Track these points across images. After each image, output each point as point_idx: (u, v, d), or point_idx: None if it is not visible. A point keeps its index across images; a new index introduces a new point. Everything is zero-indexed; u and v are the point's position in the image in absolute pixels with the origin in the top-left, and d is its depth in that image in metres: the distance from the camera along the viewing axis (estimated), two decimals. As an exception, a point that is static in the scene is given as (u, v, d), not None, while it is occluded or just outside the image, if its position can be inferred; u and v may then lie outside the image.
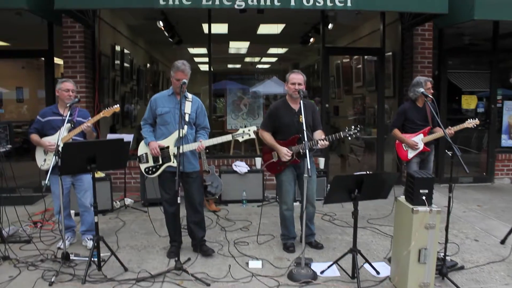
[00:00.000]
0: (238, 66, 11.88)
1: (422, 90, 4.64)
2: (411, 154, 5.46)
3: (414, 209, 3.47)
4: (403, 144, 5.50)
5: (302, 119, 4.09)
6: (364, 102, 9.58)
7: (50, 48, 7.29)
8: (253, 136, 4.37)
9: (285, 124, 4.51)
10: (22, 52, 7.82)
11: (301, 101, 4.27)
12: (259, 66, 12.18)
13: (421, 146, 5.39)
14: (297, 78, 4.46)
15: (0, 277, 3.95)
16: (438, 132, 5.37)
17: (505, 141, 8.29)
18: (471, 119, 5.40)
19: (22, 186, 6.64)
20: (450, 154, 3.89)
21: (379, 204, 6.21)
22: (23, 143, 7.90)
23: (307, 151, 3.91)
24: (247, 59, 12.08)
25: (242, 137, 4.38)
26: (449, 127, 5.27)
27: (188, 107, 4.38)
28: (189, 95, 4.46)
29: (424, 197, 3.50)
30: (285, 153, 4.44)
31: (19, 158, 7.44)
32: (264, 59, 12.12)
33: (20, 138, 7.90)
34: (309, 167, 3.85)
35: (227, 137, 4.45)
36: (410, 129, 5.47)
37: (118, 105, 4.77)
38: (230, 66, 11.62)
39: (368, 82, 9.10)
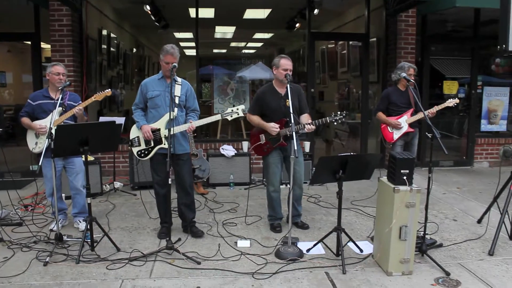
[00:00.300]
0: (224, 51, 11.90)
1: (404, 74, 4.81)
2: (396, 135, 5.67)
3: (396, 188, 3.65)
4: (388, 126, 5.70)
5: (289, 103, 4.22)
6: (348, 87, 9.73)
7: (36, 31, 7.25)
8: (241, 114, 4.49)
9: (272, 108, 4.63)
10: (8, 35, 7.74)
11: (288, 86, 4.38)
12: (245, 51, 12.22)
13: (405, 126, 5.61)
14: (288, 64, 4.58)
15: (-5, 258, 4.04)
16: (418, 114, 5.58)
17: (485, 126, 8.55)
18: (451, 99, 5.64)
19: (11, 170, 6.65)
20: (430, 136, 4.07)
21: (362, 186, 6.41)
22: (8, 127, 7.90)
23: (293, 133, 4.06)
24: (233, 44, 12.10)
25: (231, 116, 4.51)
26: (435, 106, 5.51)
27: (178, 90, 4.47)
28: (179, 79, 4.55)
29: (405, 177, 3.67)
30: (273, 125, 4.55)
31: (5, 143, 7.45)
32: (250, 44, 12.15)
33: (8, 124, 7.89)
34: (295, 148, 3.99)
35: (217, 117, 4.57)
36: (394, 112, 5.69)
37: (110, 89, 4.84)
38: (216, 51, 11.64)
39: (352, 67, 9.24)
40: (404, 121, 5.63)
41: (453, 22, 8.71)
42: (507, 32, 4.13)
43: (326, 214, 5.48)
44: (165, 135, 4.41)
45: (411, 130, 5.64)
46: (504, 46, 4.17)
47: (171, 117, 4.18)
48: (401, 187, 3.66)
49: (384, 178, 3.95)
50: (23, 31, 7.39)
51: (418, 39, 7.87)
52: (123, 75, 10.07)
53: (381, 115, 5.76)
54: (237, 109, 4.49)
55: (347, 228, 4.83)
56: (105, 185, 6.46)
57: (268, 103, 4.66)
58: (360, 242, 4.41)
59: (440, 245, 4.42)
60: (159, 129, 4.47)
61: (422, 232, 4.13)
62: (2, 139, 6.97)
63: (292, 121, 4.11)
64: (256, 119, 4.73)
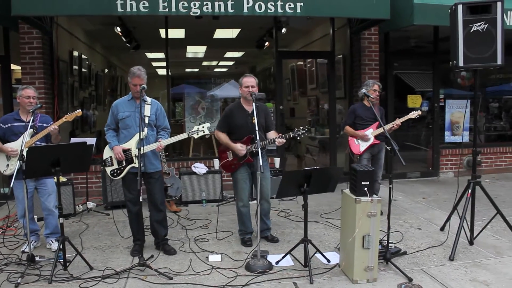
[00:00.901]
0: (196, 70, 12.07)
1: (363, 90, 5.05)
2: (363, 147, 5.93)
3: (357, 199, 3.84)
4: (355, 139, 5.97)
5: (255, 120, 4.40)
6: (318, 103, 10.00)
7: (6, 54, 7.31)
8: (207, 132, 4.66)
9: (239, 125, 4.81)
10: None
11: (254, 103, 4.57)
12: (217, 69, 12.41)
13: (371, 138, 5.87)
14: (249, 81, 4.78)
15: (-35, 281, 4.04)
16: (386, 125, 5.85)
17: (448, 137, 8.89)
18: (414, 111, 5.97)
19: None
20: (389, 148, 4.29)
21: (332, 200, 6.59)
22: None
23: (259, 149, 4.23)
24: (205, 63, 12.28)
25: (197, 134, 4.67)
26: (397, 119, 5.81)
27: (147, 110, 4.60)
28: (148, 99, 4.68)
29: (366, 188, 3.87)
30: (239, 148, 4.75)
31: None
32: (222, 63, 12.35)
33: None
34: (261, 163, 4.15)
35: (183, 135, 4.72)
36: (360, 126, 5.96)
37: (80, 110, 4.93)
38: (188, 70, 11.81)
39: (321, 84, 9.52)
40: (370, 133, 5.90)
41: (414, 38, 9.13)
42: (457, 49, 4.42)
43: (295, 227, 5.63)
44: (135, 155, 4.52)
45: (377, 142, 5.89)
46: (455, 62, 4.45)
47: (141, 137, 4.30)
48: (363, 198, 3.85)
49: (347, 190, 4.14)
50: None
51: (382, 55, 8.20)
52: (95, 95, 10.13)
53: (348, 128, 6.03)
54: (203, 127, 4.65)
55: (316, 240, 5.02)
56: (78, 206, 6.47)
57: (235, 119, 4.83)
58: (328, 253, 4.58)
59: (404, 253, 4.61)
60: (130, 149, 4.58)
61: (386, 241, 4.31)
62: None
63: (258, 137, 4.29)
64: (223, 137, 4.89)
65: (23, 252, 4.71)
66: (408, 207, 6.57)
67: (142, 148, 4.27)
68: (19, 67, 7.24)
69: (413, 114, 5.93)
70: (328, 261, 4.39)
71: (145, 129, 4.50)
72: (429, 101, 8.88)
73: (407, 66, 9.36)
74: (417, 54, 9.52)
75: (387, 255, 4.24)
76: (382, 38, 8.20)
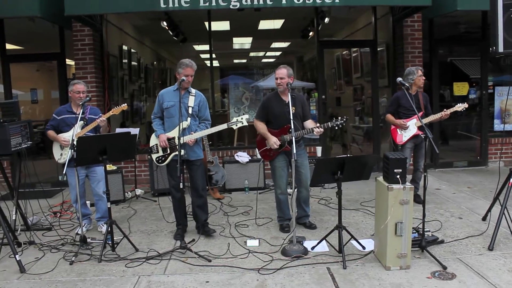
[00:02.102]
0: (243, 61, 12.26)
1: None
2: (405, 137, 5.86)
3: (389, 186, 3.89)
4: (398, 129, 5.91)
5: (291, 110, 4.51)
6: (362, 92, 9.93)
7: (61, 51, 7.81)
8: (245, 123, 4.83)
9: (277, 114, 4.94)
10: (36, 56, 8.34)
11: (289, 93, 4.69)
12: (264, 60, 12.54)
13: (414, 129, 5.79)
14: (278, 73, 4.92)
15: (27, 258, 4.46)
16: (430, 117, 5.77)
17: (498, 126, 8.60)
18: (460, 103, 5.79)
19: (41, 181, 7.14)
20: (423, 136, 4.28)
21: (373, 188, 6.53)
22: (39, 142, 8.42)
23: (293, 138, 4.35)
24: (252, 54, 12.45)
25: (236, 125, 4.85)
26: (444, 110, 5.70)
27: (191, 101, 4.84)
28: (193, 90, 4.92)
29: (398, 176, 3.90)
30: (274, 142, 4.89)
31: (37, 156, 7.97)
32: (268, 53, 12.47)
33: (37, 138, 8.41)
34: (294, 151, 4.28)
35: (222, 126, 4.92)
36: (404, 115, 5.89)
37: (125, 104, 5.26)
38: (235, 61, 12.02)
39: (365, 73, 9.44)
40: (413, 124, 5.81)
41: (461, 24, 8.85)
42: (496, 35, 4.33)
43: (334, 215, 5.69)
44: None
45: (420, 132, 5.80)
46: (494, 48, 4.37)
47: (184, 126, 4.55)
48: (395, 186, 3.89)
49: (381, 178, 4.18)
50: (50, 51, 7.94)
51: (426, 42, 8.04)
52: (145, 88, 10.54)
53: (389, 116, 5.97)
54: (242, 118, 4.82)
55: (353, 227, 5.10)
56: (127, 192, 6.86)
57: (273, 109, 4.97)
58: (364, 240, 4.64)
59: (442, 242, 4.59)
60: (174, 138, 4.83)
61: (422, 229, 4.32)
62: (32, 152, 7.50)
63: (292, 127, 4.41)
64: (261, 127, 5.04)
65: (76, 234, 5.10)
66: (451, 196, 6.47)
67: (182, 138, 4.51)
68: (73, 63, 7.70)
69: (459, 107, 5.75)
70: (363, 247, 4.46)
71: (188, 119, 4.75)
72: (477, 89, 8.62)
73: (453, 53, 9.10)
74: (463, 41, 9.21)
75: (423, 243, 4.25)
76: (426, 25, 8.04)
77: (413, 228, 4.18)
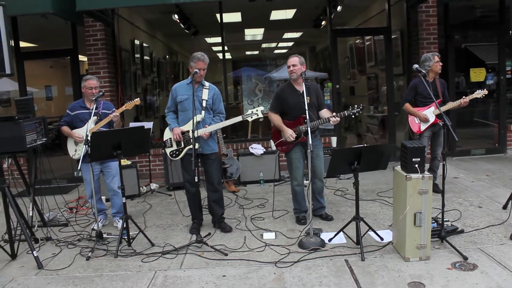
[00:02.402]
0: (256, 52, 12.18)
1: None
2: (423, 126, 5.74)
3: (408, 176, 3.80)
4: (415, 117, 5.78)
5: (305, 99, 4.43)
6: (377, 81, 9.79)
7: (74, 47, 7.83)
8: (260, 115, 4.78)
9: (291, 105, 4.86)
10: (50, 52, 8.36)
11: (304, 83, 4.60)
12: (277, 51, 12.44)
13: (432, 118, 5.67)
14: (291, 60, 4.83)
15: (44, 254, 4.48)
16: (448, 104, 5.64)
17: (517, 112, 8.42)
18: (479, 90, 5.63)
19: (57, 177, 7.20)
20: (441, 124, 4.18)
21: (389, 178, 6.41)
22: (55, 138, 8.46)
23: (308, 129, 4.29)
24: (264, 45, 12.35)
25: (251, 117, 4.80)
26: (463, 97, 5.56)
27: (205, 94, 4.80)
28: (206, 83, 4.87)
29: (416, 165, 3.82)
30: (290, 134, 4.82)
31: (52, 152, 8.01)
32: (280, 44, 12.37)
33: (52, 134, 8.45)
34: (310, 142, 4.20)
35: (237, 119, 4.87)
36: (421, 103, 5.76)
37: (138, 99, 5.24)
38: (247, 53, 11.94)
39: (379, 61, 9.30)
40: (431, 112, 5.69)
41: (477, 9, 8.63)
42: (516, 19, 4.19)
43: (351, 206, 5.63)
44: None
45: (438, 120, 5.68)
46: (515, 31, 4.22)
47: (196, 120, 4.51)
48: (413, 175, 3.81)
49: (398, 167, 4.10)
50: (63, 48, 7.96)
51: (441, 28, 7.86)
52: (158, 82, 10.53)
53: (408, 106, 5.81)
54: (257, 110, 4.77)
55: (371, 218, 5.03)
56: (142, 187, 6.87)
57: (287, 100, 4.89)
58: (382, 231, 4.57)
59: (461, 232, 4.50)
60: (188, 131, 4.79)
61: (445, 219, 4.23)
62: (48, 148, 7.54)
63: (307, 117, 4.33)
64: (276, 119, 4.96)
65: (93, 229, 5.11)
66: (469, 184, 6.35)
67: (196, 131, 4.48)
68: (86, 58, 7.71)
69: (479, 94, 5.59)
70: (381, 238, 4.39)
71: (202, 112, 4.71)
72: (495, 74, 8.42)
73: (470, 38, 8.90)
74: (480, 25, 8.95)
75: (442, 233, 4.17)
76: (441, 11, 7.85)
77: (432, 218, 4.09)
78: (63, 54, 8.21)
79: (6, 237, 4.51)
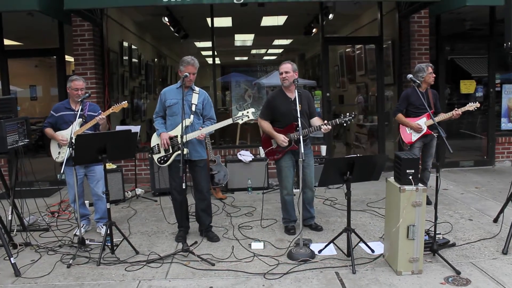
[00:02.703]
0: (245, 58, 12.10)
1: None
2: (415, 137, 5.66)
3: (401, 188, 3.72)
4: (406, 128, 5.72)
5: (297, 107, 4.33)
6: (367, 90, 9.77)
7: (61, 46, 7.64)
8: (252, 117, 4.65)
9: (282, 112, 4.76)
10: (35, 51, 8.17)
11: (296, 90, 4.50)
12: (266, 58, 12.37)
13: (424, 128, 5.61)
14: (283, 67, 4.73)
15: (23, 261, 4.29)
16: (440, 116, 5.59)
17: (505, 124, 8.44)
18: (472, 102, 5.59)
19: (40, 179, 7.01)
20: (436, 135, 4.11)
21: (379, 188, 6.43)
22: (38, 139, 8.25)
23: (301, 137, 4.19)
24: (253, 51, 12.28)
25: (242, 119, 4.67)
26: (456, 109, 5.51)
27: (195, 99, 4.67)
28: (196, 88, 4.75)
29: (410, 177, 3.73)
30: (282, 139, 4.70)
31: (35, 154, 7.80)
32: (270, 51, 12.31)
33: (35, 135, 8.23)
34: (302, 151, 4.10)
35: (228, 121, 4.73)
36: (413, 113, 5.69)
37: (126, 102, 5.09)
38: (237, 58, 11.84)
39: (370, 70, 9.28)
40: (423, 123, 5.63)
41: (468, 21, 8.67)
42: (511, 30, 4.16)
43: (341, 216, 5.55)
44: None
45: (430, 132, 5.62)
46: (509, 43, 4.20)
47: (185, 124, 4.38)
48: (407, 187, 3.73)
49: (392, 179, 4.01)
50: (49, 47, 7.77)
51: (433, 39, 7.87)
52: (146, 85, 10.36)
53: (400, 116, 5.74)
54: (247, 112, 4.65)
55: (361, 229, 4.94)
56: (127, 192, 6.69)
57: (278, 107, 4.79)
58: (373, 242, 4.48)
59: (453, 245, 4.43)
60: (176, 136, 4.65)
61: (433, 232, 4.16)
62: (31, 150, 7.35)
63: (300, 125, 4.23)
64: (267, 126, 4.86)
65: (75, 235, 4.93)
66: (459, 196, 6.31)
67: (184, 136, 4.34)
68: (73, 59, 7.54)
69: (471, 106, 5.55)
70: (372, 251, 4.30)
71: (191, 116, 4.58)
72: (484, 86, 8.44)
73: (461, 50, 8.95)
74: (471, 38, 9.01)
75: (434, 246, 4.09)
76: (433, 22, 7.87)
77: (424, 231, 4.01)
78: (49, 53, 8.03)
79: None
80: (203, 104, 4.74)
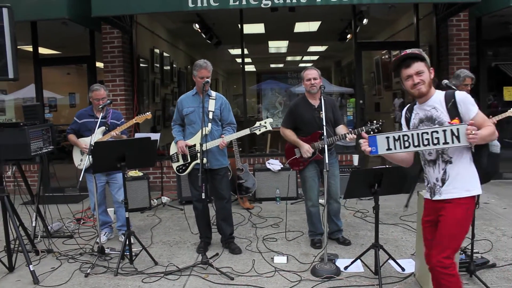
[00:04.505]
0: (280, 65, 11.96)
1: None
2: None
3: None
4: None
5: (322, 115, 4.12)
6: (403, 97, 9.40)
7: (92, 54, 7.73)
8: (269, 128, 4.49)
9: (306, 120, 4.56)
10: (67, 59, 8.33)
11: (322, 97, 4.29)
12: (301, 64, 12.20)
13: None
14: (310, 73, 4.53)
15: (43, 268, 4.27)
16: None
17: (553, 134, 7.90)
18: None
19: (68, 186, 7.07)
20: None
21: (413, 201, 6.09)
22: (70, 145, 8.34)
23: (325, 146, 3.96)
24: (288, 58, 12.14)
25: (260, 130, 4.50)
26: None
27: (212, 105, 4.52)
28: (213, 93, 4.60)
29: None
30: (307, 149, 4.50)
31: (64, 160, 7.87)
32: (305, 58, 12.14)
33: (56, 142, 8.33)
34: (327, 161, 3.88)
35: (245, 131, 4.56)
36: None
37: (149, 113, 5.04)
38: (271, 65, 11.72)
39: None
40: None
41: (512, 24, 8.22)
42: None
43: (371, 229, 5.23)
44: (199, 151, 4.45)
45: None
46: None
47: (205, 132, 4.25)
48: (440, 202, 3.43)
49: (424, 192, 3.72)
50: (80, 55, 7.87)
51: (473, 44, 7.46)
52: (178, 92, 10.36)
53: None
54: (265, 122, 4.48)
55: (392, 245, 4.65)
56: (153, 200, 6.62)
57: (302, 115, 4.59)
58: (403, 260, 4.19)
59: (493, 265, 4.08)
60: (194, 145, 4.52)
61: (470, 251, 3.84)
62: (61, 156, 7.43)
63: (325, 133, 4.02)
64: (290, 134, 4.67)
65: (96, 243, 4.87)
66: (501, 211, 5.88)
67: (204, 145, 4.20)
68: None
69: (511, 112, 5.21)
70: (402, 269, 4.01)
71: (209, 124, 4.43)
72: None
73: (505, 55, 8.43)
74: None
75: (471, 267, 3.76)
76: (473, 25, 7.46)
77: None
78: (80, 61, 8.16)
79: (6, 247, 4.31)
80: (220, 109, 4.58)
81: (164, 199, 6.70)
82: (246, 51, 8.06)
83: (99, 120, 4.56)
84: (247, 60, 8.32)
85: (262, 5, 5.83)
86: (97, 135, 4.61)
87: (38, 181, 5.22)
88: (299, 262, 4.32)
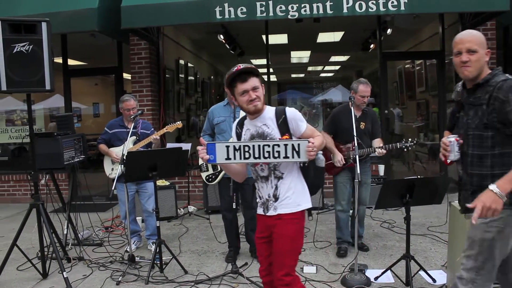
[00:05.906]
0: (301, 75, 11.98)
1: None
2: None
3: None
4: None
5: (360, 125, 4.19)
6: (427, 107, 9.34)
7: (119, 65, 7.88)
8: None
9: (345, 128, 4.58)
10: (96, 70, 8.50)
11: (363, 108, 4.37)
12: (323, 74, 12.20)
13: None
14: (366, 91, 4.59)
15: (75, 275, 4.35)
16: None
17: None
18: None
19: (97, 194, 7.20)
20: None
21: (441, 211, 6.02)
22: (99, 154, 8.48)
23: (357, 157, 3.98)
24: (310, 68, 12.15)
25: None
26: None
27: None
28: None
29: (477, 202, 3.41)
30: (339, 160, 4.56)
31: (95, 169, 8.01)
32: (327, 68, 12.14)
33: (96, 150, 8.48)
34: (358, 172, 3.90)
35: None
36: None
37: (180, 122, 5.07)
38: (293, 75, 11.74)
39: (431, 86, 8.86)
40: None
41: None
42: None
43: (399, 240, 5.22)
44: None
45: None
46: None
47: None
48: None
49: (456, 203, 3.69)
50: (108, 66, 8.03)
51: (500, 52, 7.37)
52: (202, 102, 10.48)
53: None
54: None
55: (421, 256, 4.61)
56: (180, 209, 6.68)
57: (342, 122, 4.65)
58: (434, 271, 4.15)
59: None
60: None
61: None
62: (92, 165, 7.56)
63: (356, 144, 4.05)
64: (328, 140, 4.71)
65: (126, 251, 4.94)
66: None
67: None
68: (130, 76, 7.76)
69: None
70: (434, 280, 3.97)
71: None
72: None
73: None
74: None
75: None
76: (500, 34, 7.37)
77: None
78: (108, 72, 8.33)
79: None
80: None
81: (191, 208, 6.75)
82: (266, 61, 8.10)
83: (131, 130, 4.64)
84: (266, 70, 8.36)
85: (289, 16, 5.87)
86: (128, 145, 4.70)
87: (69, 190, 5.33)
88: (328, 272, 4.31)
